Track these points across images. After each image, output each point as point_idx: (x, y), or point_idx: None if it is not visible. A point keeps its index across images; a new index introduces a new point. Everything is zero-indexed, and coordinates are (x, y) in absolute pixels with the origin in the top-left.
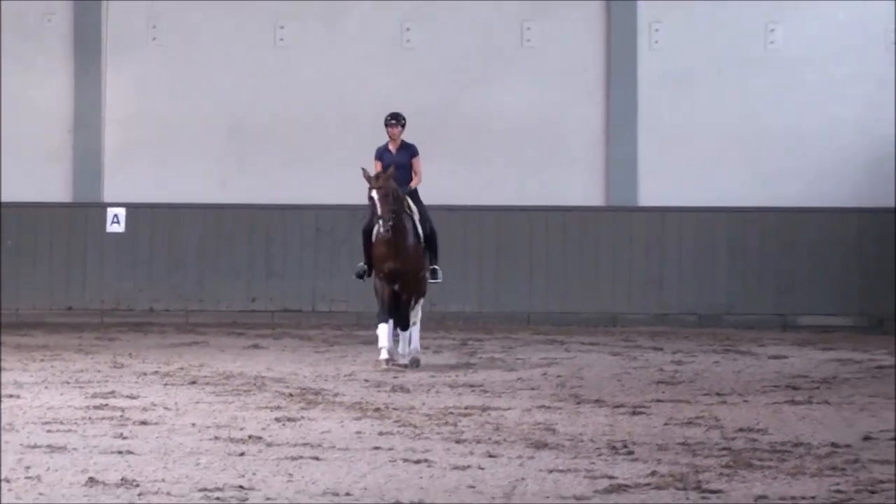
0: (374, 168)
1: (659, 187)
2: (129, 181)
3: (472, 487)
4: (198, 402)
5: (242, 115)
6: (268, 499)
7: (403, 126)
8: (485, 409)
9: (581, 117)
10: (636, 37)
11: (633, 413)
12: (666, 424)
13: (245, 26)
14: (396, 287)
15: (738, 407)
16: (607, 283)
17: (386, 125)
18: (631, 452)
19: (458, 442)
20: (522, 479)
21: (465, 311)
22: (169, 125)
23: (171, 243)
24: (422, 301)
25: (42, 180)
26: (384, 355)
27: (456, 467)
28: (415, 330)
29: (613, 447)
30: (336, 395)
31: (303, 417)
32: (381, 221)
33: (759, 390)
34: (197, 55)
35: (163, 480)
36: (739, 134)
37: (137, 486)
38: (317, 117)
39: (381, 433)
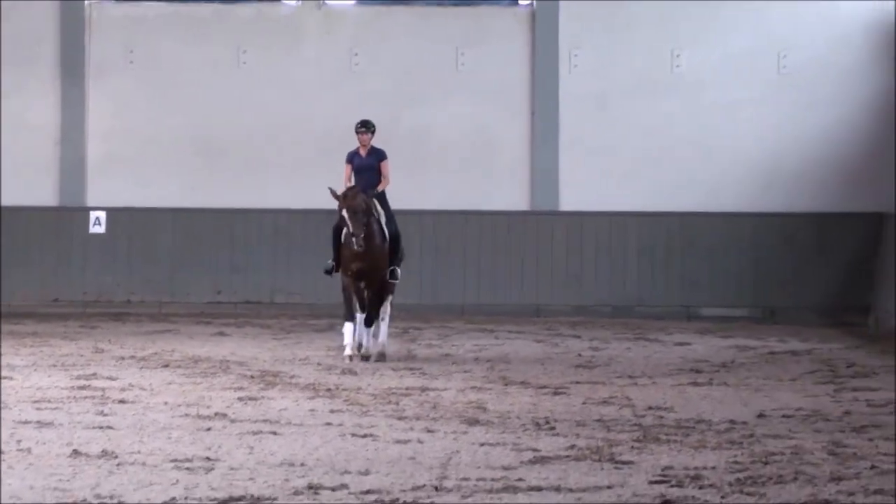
0: (345, 172)
1: (577, 194)
2: (109, 188)
3: (413, 459)
4: (170, 383)
5: (209, 129)
6: (231, 469)
7: (373, 132)
8: (423, 389)
9: (509, 132)
10: (558, 61)
11: (555, 393)
12: (584, 403)
13: (211, 52)
14: (362, 285)
15: (648, 388)
16: (532, 279)
17: (356, 132)
18: (553, 428)
19: (400, 419)
20: (457, 451)
21: (407, 303)
22: (144, 139)
23: (146, 243)
24: (390, 298)
25: (33, 187)
26: (348, 352)
27: (398, 441)
28: (383, 325)
29: (537, 423)
30: (292, 376)
31: (262, 396)
32: (353, 238)
33: (666, 373)
34: (169, 77)
35: (139, 452)
36: (648, 148)
37: (116, 457)
38: (275, 132)
39: (331, 411)
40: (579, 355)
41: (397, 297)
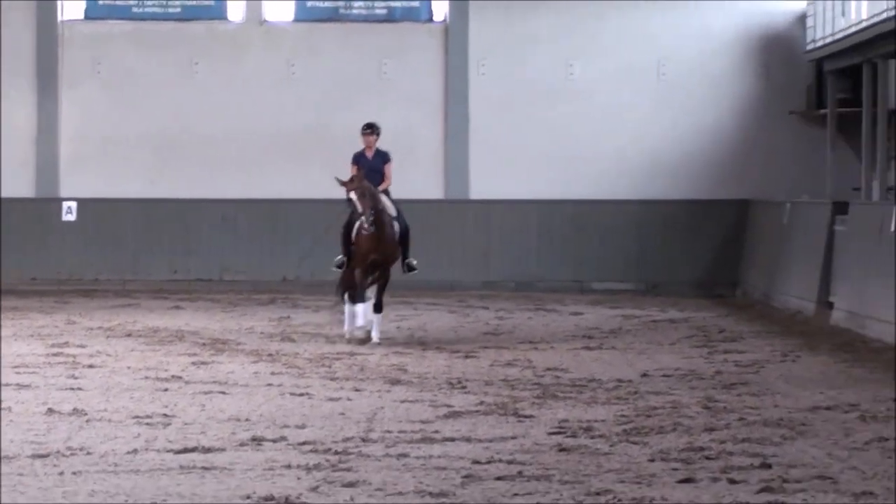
0: (351, 171)
1: (485, 185)
2: (80, 181)
3: (343, 414)
4: (132, 350)
5: (166, 131)
6: (185, 424)
7: (378, 134)
8: (352, 354)
9: (426, 131)
10: (468, 70)
11: (466, 357)
12: (491, 365)
13: (168, 64)
14: (377, 274)
15: (546, 352)
16: (446, 258)
17: (362, 133)
18: (464, 387)
19: (332, 380)
20: (381, 407)
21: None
22: (110, 139)
23: (111, 229)
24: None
25: (12, 180)
26: (360, 333)
27: (330, 399)
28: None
29: (451, 383)
30: (238, 344)
31: (213, 361)
32: (363, 218)
33: (562, 339)
34: (131, 86)
35: (105, 410)
36: (547, 145)
37: (86, 414)
38: (224, 133)
39: (272, 373)
40: (487, 324)
41: (330, 274)
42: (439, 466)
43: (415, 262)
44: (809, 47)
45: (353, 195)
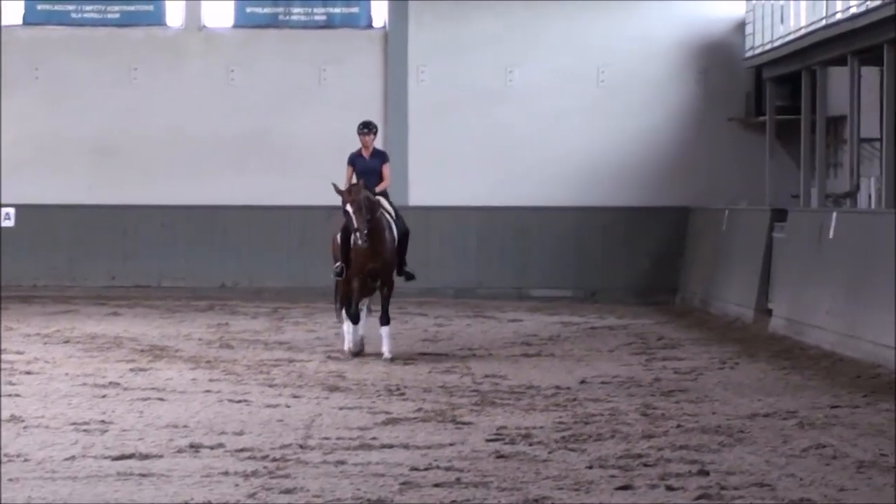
0: (346, 173)
1: (425, 191)
2: (18, 187)
3: (281, 421)
4: (70, 357)
5: (105, 137)
6: (123, 430)
7: (375, 134)
8: (291, 361)
9: None
10: (407, 77)
11: (405, 363)
12: (430, 372)
13: (106, 69)
14: (377, 284)
15: (485, 358)
16: None
17: (359, 133)
18: (403, 394)
19: (270, 386)
20: (319, 414)
21: (277, 286)
22: (48, 145)
23: (50, 235)
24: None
25: None
26: (348, 347)
27: (268, 405)
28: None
29: (389, 389)
30: (177, 350)
31: (151, 368)
32: (356, 234)
33: (501, 346)
34: (70, 91)
35: (42, 416)
36: (486, 151)
37: (23, 420)
38: (162, 138)
39: (211, 380)
40: (426, 331)
41: (268, 280)
42: (377, 473)
43: (410, 270)
44: (748, 54)
45: (349, 209)
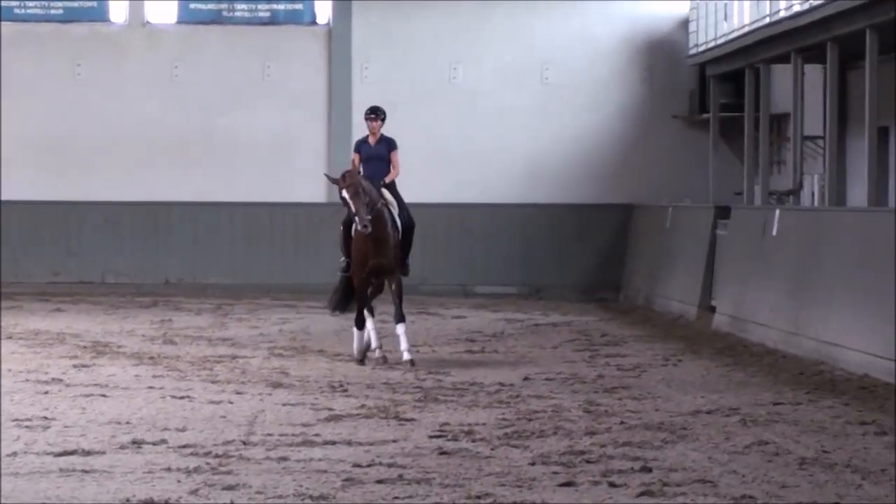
0: (353, 161)
1: None
2: None
3: (224, 417)
4: (13, 353)
5: (49, 133)
6: (66, 426)
7: (383, 120)
8: (234, 357)
9: (309, 134)
10: (351, 73)
11: (348, 360)
12: (373, 368)
13: (51, 65)
14: (385, 279)
15: (429, 355)
16: (328, 261)
17: (366, 119)
18: (346, 390)
19: (213, 382)
20: (262, 410)
21: (221, 283)
22: None
23: None
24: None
25: None
26: (356, 356)
27: (211, 402)
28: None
29: (332, 386)
30: (120, 346)
31: (94, 364)
32: (356, 219)
33: (445, 342)
34: (13, 88)
35: None
36: (430, 148)
37: None
38: (106, 135)
39: (154, 376)
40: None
41: (211, 277)
42: (319, 469)
43: (408, 266)
44: (692, 52)
45: (345, 194)
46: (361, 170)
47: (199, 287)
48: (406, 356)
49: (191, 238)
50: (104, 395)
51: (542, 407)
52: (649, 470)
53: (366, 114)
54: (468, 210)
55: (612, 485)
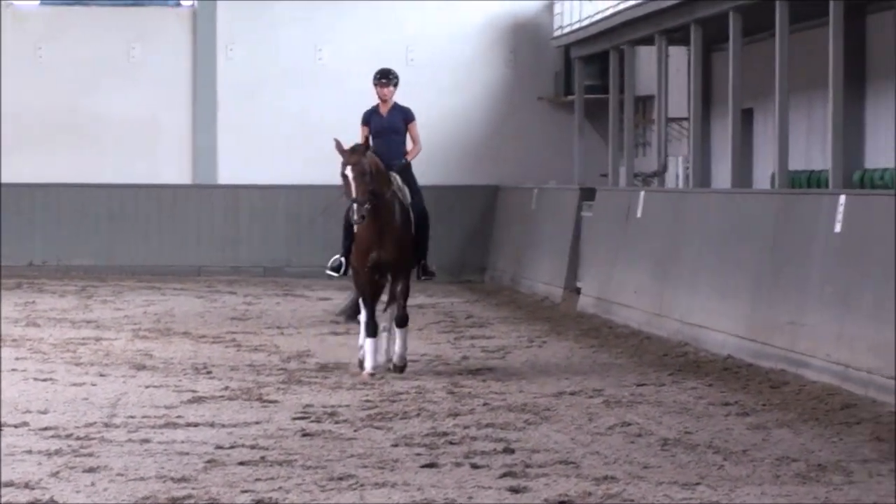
0: (361, 134)
1: (233, 170)
2: None
3: (86, 399)
4: None
5: None
6: None
7: (396, 85)
8: (98, 339)
9: (174, 116)
10: (216, 55)
11: (213, 342)
12: (237, 351)
13: None
14: (389, 277)
15: (293, 337)
16: (194, 243)
17: (375, 84)
18: (210, 372)
19: (76, 365)
20: (125, 392)
21: (85, 265)
22: None
23: None
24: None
25: None
26: (370, 371)
27: (74, 384)
28: (403, 332)
29: (196, 368)
30: None
31: None
32: (354, 206)
33: (310, 324)
34: None
35: None
36: (295, 129)
37: None
38: None
39: (16, 358)
40: (234, 309)
41: (76, 259)
42: (182, 452)
43: (433, 266)
44: (557, 34)
45: (348, 172)
46: (372, 145)
47: (63, 269)
48: (395, 360)
49: (55, 220)
50: None
51: (405, 388)
52: (512, 451)
53: (375, 77)
54: (333, 192)
55: (474, 466)
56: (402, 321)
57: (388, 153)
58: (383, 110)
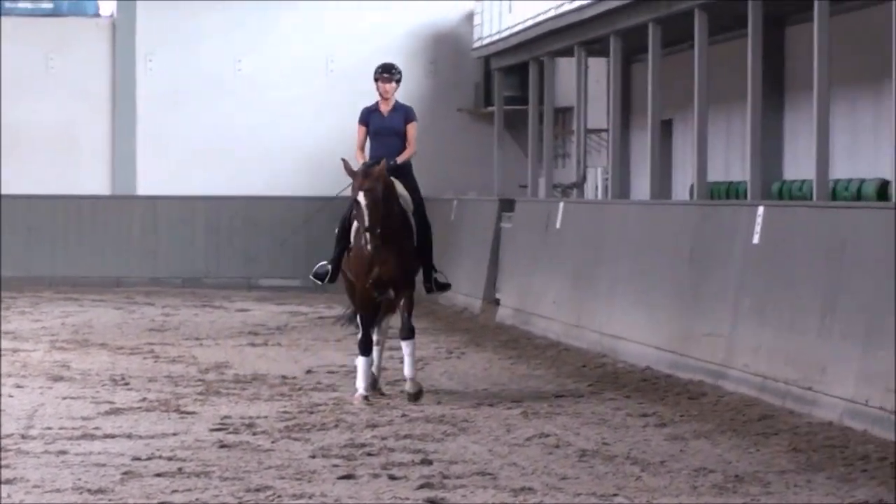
0: (358, 135)
1: (153, 181)
2: None
3: (3, 411)
4: None
5: None
6: None
7: (399, 81)
8: (15, 351)
9: (93, 126)
10: (135, 65)
11: (131, 353)
12: (155, 362)
13: None
14: (391, 294)
15: (212, 348)
16: (112, 254)
17: (376, 79)
18: (127, 384)
19: None
20: (42, 404)
21: (2, 276)
22: None
23: None
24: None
25: None
26: (361, 392)
27: None
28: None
29: (114, 379)
30: None
31: None
32: (367, 235)
33: (228, 335)
34: None
35: None
36: (216, 140)
37: None
38: None
39: None
40: (153, 320)
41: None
42: (98, 463)
43: (443, 278)
44: (477, 45)
45: (361, 199)
46: (369, 147)
47: None
48: (408, 385)
49: None
50: None
51: (324, 400)
52: (430, 462)
53: (376, 72)
54: (252, 202)
55: (392, 477)
56: (410, 332)
57: (387, 157)
58: (384, 109)
